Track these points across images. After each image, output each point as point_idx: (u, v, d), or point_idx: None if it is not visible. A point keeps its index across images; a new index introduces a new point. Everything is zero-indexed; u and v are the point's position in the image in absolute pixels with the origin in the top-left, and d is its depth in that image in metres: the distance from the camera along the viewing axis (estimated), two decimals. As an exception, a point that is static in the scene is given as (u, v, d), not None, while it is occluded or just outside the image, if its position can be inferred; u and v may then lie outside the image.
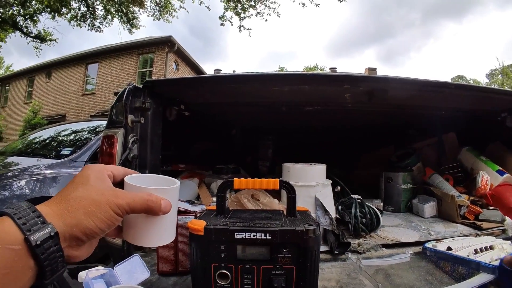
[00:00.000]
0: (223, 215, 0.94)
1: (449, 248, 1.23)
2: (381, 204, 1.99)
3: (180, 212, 1.04)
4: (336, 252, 1.29)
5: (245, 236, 0.86)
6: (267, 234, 0.86)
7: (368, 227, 1.51)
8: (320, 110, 1.51)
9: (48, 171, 2.35)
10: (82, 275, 1.03)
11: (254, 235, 0.86)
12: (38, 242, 0.28)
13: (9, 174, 2.26)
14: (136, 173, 0.45)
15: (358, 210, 1.51)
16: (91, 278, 1.00)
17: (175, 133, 1.37)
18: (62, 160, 2.53)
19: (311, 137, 2.49)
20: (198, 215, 1.05)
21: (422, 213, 1.88)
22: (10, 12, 7.33)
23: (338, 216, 1.56)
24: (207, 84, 1.26)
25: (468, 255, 1.12)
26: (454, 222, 1.71)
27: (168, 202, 0.41)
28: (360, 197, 1.63)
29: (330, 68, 15.01)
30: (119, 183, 0.42)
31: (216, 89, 1.22)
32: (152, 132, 1.26)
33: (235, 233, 0.86)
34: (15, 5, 7.24)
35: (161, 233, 0.43)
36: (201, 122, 2.13)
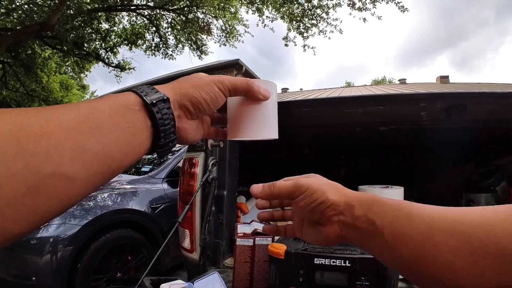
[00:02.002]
0: (301, 240, 0.95)
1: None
2: (462, 229, 1.80)
3: (258, 234, 1.08)
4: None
5: (324, 262, 0.86)
6: (347, 261, 0.85)
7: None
8: (395, 129, 1.45)
9: (129, 186, 2.62)
10: (165, 286, 1.11)
11: (333, 261, 0.86)
12: (154, 102, 0.34)
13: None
14: None
15: (437, 236, 1.40)
16: (173, 290, 1.08)
17: (250, 155, 1.43)
18: (141, 176, 2.79)
19: (385, 156, 2.38)
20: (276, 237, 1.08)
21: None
22: (93, 46, 8.55)
23: (415, 241, 1.46)
24: (281, 108, 1.30)
25: None
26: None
27: (267, 90, 0.44)
28: (439, 221, 1.51)
29: (399, 80, 14.25)
30: None
31: (290, 113, 1.27)
32: (230, 155, 1.34)
33: (315, 259, 0.87)
34: (97, 40, 8.43)
35: (263, 123, 0.45)
36: (275, 144, 2.17)
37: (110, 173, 0.31)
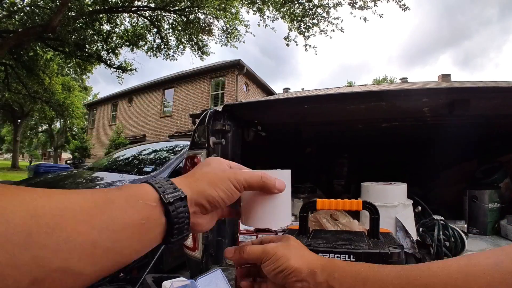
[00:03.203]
0: (305, 235, 0.95)
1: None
2: (465, 225, 1.80)
3: (262, 231, 1.08)
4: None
5: (328, 257, 0.86)
6: (351, 256, 0.85)
7: (451, 251, 1.39)
8: (398, 125, 1.44)
9: (131, 186, 2.60)
10: (167, 284, 1.11)
11: (338, 257, 0.86)
12: (171, 201, 0.34)
13: (96, 187, 2.55)
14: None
15: (441, 233, 1.40)
16: (175, 288, 1.07)
17: (252, 153, 1.43)
18: (144, 176, 2.77)
19: (388, 154, 2.37)
20: (278, 234, 1.07)
21: (511, 236, 1.65)
22: (95, 48, 8.58)
23: (418, 238, 1.46)
24: (283, 105, 1.29)
25: None
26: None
27: (282, 182, 0.44)
28: (442, 218, 1.50)
29: (401, 79, 14.27)
30: None
31: (292, 110, 1.26)
32: (232, 153, 1.33)
33: (319, 254, 0.86)
34: (99, 41, 8.46)
35: (277, 215, 0.45)
36: (277, 142, 2.16)
37: (117, 267, 0.30)
